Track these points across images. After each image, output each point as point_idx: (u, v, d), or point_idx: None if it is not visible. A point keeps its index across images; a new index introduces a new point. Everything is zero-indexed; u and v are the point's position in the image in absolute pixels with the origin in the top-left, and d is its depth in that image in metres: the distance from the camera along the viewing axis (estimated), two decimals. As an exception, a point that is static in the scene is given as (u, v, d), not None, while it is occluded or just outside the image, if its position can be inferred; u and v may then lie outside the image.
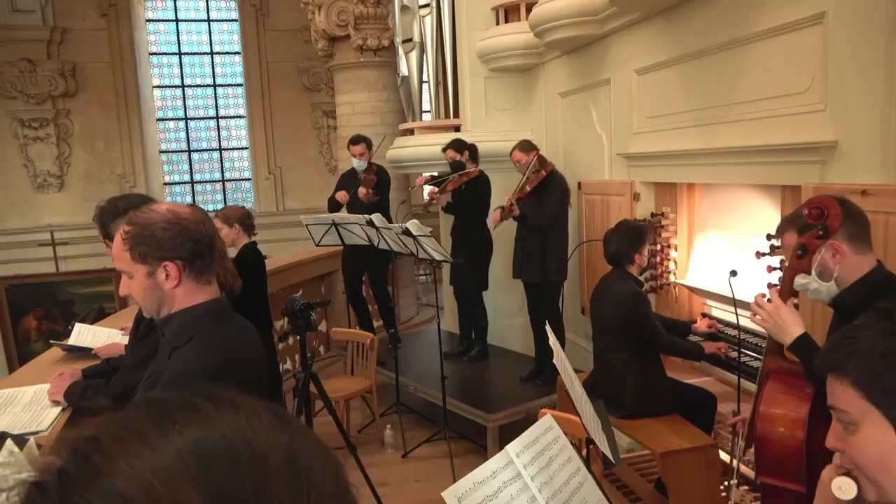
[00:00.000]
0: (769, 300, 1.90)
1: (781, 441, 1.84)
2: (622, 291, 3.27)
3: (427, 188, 5.20)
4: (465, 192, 4.96)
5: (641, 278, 3.48)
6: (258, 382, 1.64)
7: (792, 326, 1.86)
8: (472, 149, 5.02)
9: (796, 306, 2.87)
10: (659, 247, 4.13)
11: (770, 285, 2.06)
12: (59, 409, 2.36)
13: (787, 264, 1.90)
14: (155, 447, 0.47)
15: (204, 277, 1.57)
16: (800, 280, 1.90)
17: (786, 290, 1.91)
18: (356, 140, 5.48)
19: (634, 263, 3.35)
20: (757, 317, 1.93)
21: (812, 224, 1.84)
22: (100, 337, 3.22)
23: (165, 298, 1.54)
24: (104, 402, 2.28)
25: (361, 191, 5.33)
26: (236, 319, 1.65)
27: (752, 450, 1.98)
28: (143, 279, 1.52)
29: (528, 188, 4.47)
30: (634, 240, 3.34)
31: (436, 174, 5.03)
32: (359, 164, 5.45)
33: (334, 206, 5.54)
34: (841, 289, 1.87)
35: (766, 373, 1.96)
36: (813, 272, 1.87)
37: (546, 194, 4.45)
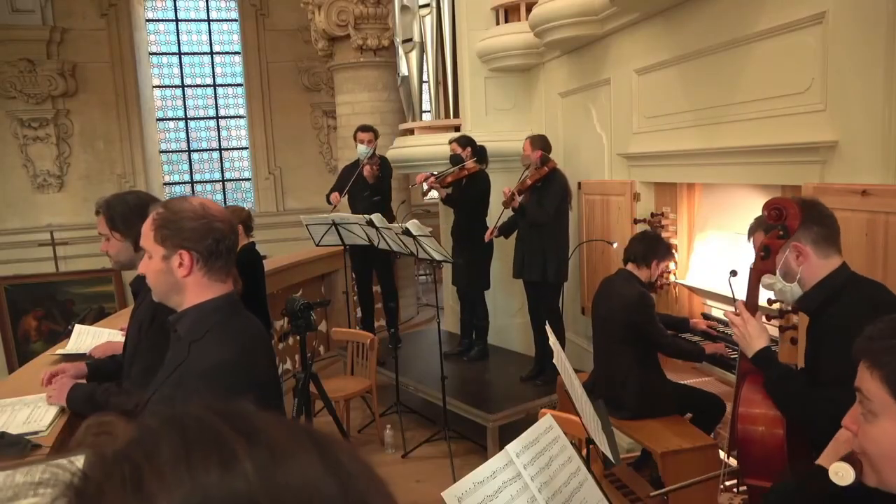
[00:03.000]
0: (738, 314, 1.95)
1: (762, 440, 1.85)
2: (628, 293, 3.26)
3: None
4: (466, 187, 4.96)
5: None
6: (275, 374, 1.69)
7: (756, 340, 1.90)
8: (479, 150, 5.00)
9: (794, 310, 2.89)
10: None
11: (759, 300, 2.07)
12: (58, 408, 2.29)
13: (752, 266, 1.92)
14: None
15: (216, 275, 1.62)
16: (766, 280, 1.93)
17: (753, 292, 1.94)
18: (366, 128, 5.52)
19: (647, 269, 3.36)
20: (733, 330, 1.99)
21: (773, 225, 1.86)
22: (100, 338, 3.20)
23: (176, 286, 1.60)
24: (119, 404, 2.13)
25: (366, 169, 5.33)
26: (247, 314, 1.70)
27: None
28: (159, 261, 1.59)
29: (528, 181, 4.48)
30: (660, 249, 3.40)
31: (435, 173, 5.03)
32: (365, 149, 5.44)
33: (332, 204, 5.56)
34: (804, 290, 1.90)
35: (742, 374, 1.98)
36: (777, 272, 1.90)
37: (547, 191, 4.45)
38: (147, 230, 1.61)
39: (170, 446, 0.42)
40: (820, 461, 1.33)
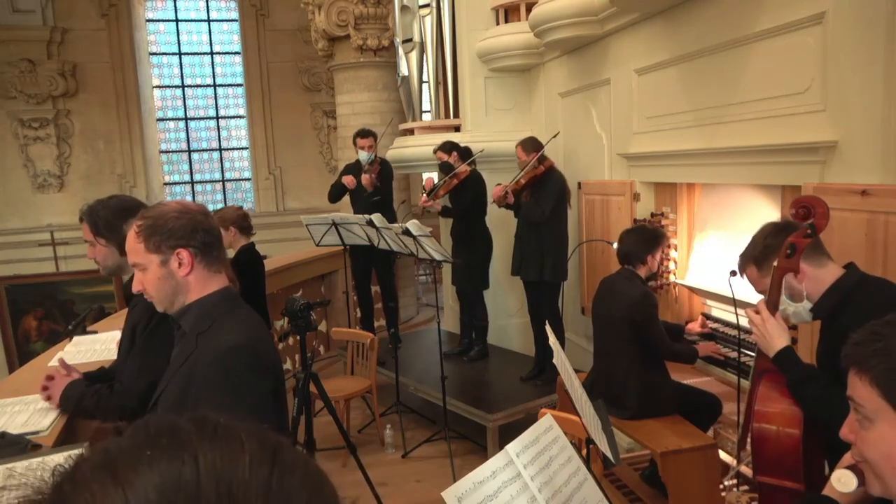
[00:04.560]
0: (758, 313, 1.93)
1: (778, 439, 1.84)
2: (632, 292, 3.23)
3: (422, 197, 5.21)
4: (460, 192, 4.97)
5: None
6: (280, 361, 1.70)
7: (776, 339, 1.89)
8: (463, 151, 5.03)
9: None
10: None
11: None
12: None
13: (775, 264, 1.91)
14: (123, 484, 0.45)
15: (214, 266, 1.64)
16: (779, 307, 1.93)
17: (775, 291, 1.93)
18: (365, 133, 5.51)
19: (645, 265, 3.34)
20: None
21: (798, 224, 1.85)
22: (97, 341, 3.20)
23: (180, 287, 1.61)
24: (109, 409, 2.13)
25: (365, 178, 5.33)
26: (246, 306, 1.72)
27: (748, 449, 1.99)
28: (157, 269, 1.59)
29: (522, 181, 4.48)
30: (649, 242, 3.34)
31: (435, 181, 5.05)
32: (366, 156, 5.44)
33: (338, 192, 5.54)
34: (812, 301, 1.90)
35: (760, 372, 1.97)
36: (783, 296, 1.90)
37: (543, 190, 4.46)
38: (134, 245, 1.59)
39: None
40: (826, 492, 1.33)
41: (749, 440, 1.93)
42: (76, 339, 3.29)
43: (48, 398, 2.27)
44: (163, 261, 1.58)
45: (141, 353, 2.12)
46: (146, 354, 2.09)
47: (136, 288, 1.63)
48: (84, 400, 2.17)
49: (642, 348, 3.24)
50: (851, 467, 1.15)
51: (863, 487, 1.14)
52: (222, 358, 1.52)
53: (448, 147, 5.05)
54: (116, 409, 2.12)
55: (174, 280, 1.59)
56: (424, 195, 4.98)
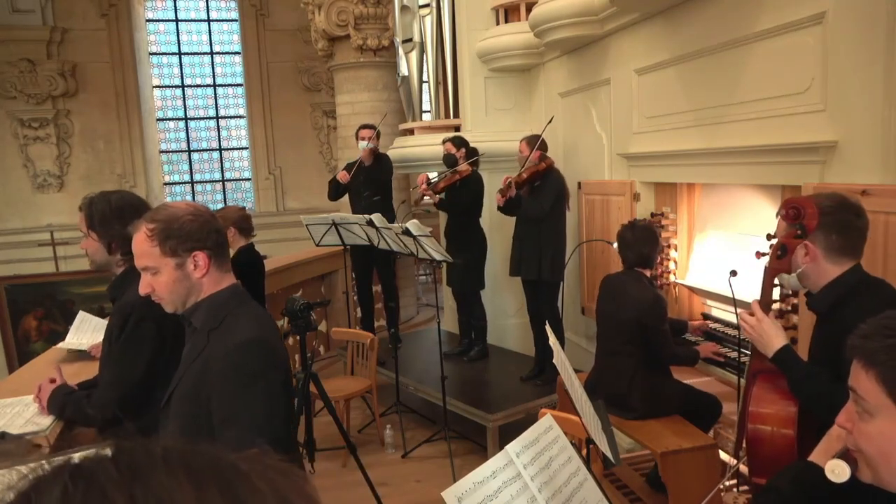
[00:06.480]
0: (752, 314, 1.93)
1: (772, 440, 1.84)
2: (644, 295, 3.19)
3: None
4: (459, 190, 4.97)
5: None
6: (288, 357, 1.71)
7: (773, 339, 1.88)
8: (472, 152, 5.03)
9: (795, 307, 2.89)
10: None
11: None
12: None
13: (766, 265, 1.91)
14: None
15: (224, 266, 1.65)
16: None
17: (768, 291, 1.92)
18: (368, 125, 5.54)
19: (651, 269, 3.34)
20: (745, 332, 1.98)
21: (790, 224, 1.85)
22: (100, 330, 3.20)
23: (193, 288, 1.61)
24: (88, 417, 2.12)
25: (364, 150, 5.36)
26: (255, 302, 1.73)
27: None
28: (172, 272, 1.58)
29: (524, 175, 4.47)
30: (654, 239, 3.32)
31: (435, 175, 5.04)
32: (366, 145, 5.41)
33: (336, 187, 5.54)
34: (804, 284, 1.90)
35: (753, 373, 1.97)
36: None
37: (543, 188, 4.46)
38: (146, 248, 1.56)
39: None
40: (812, 458, 1.33)
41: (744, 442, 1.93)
42: (71, 338, 3.28)
43: (38, 406, 2.28)
44: (178, 264, 1.57)
45: (115, 363, 2.08)
46: (119, 365, 2.06)
47: (143, 290, 1.61)
48: (66, 409, 2.16)
49: (649, 350, 3.22)
50: (844, 456, 1.15)
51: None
52: (235, 353, 1.53)
53: (459, 142, 5.06)
54: (92, 419, 2.11)
55: (189, 282, 1.59)
56: (424, 184, 4.95)
